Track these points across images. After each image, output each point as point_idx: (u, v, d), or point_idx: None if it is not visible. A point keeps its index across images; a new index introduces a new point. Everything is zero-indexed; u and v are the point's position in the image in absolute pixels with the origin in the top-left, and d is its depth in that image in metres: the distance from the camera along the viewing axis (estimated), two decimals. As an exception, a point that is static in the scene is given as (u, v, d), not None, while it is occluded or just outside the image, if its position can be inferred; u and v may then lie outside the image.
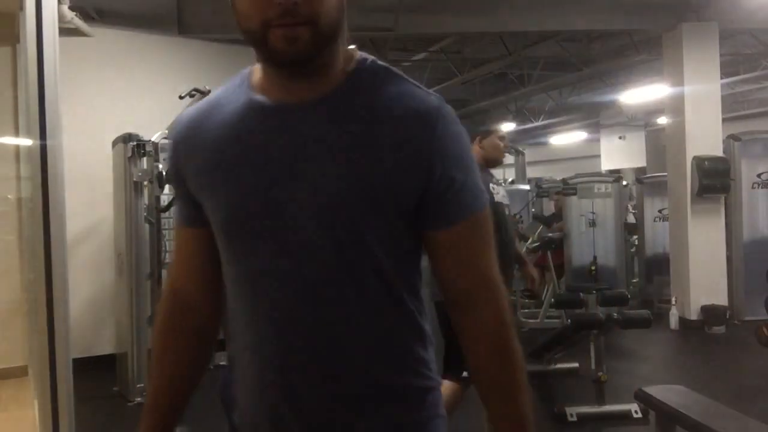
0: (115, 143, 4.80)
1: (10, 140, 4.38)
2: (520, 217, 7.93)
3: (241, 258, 0.96)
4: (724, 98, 7.44)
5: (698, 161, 6.47)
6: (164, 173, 4.51)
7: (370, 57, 0.98)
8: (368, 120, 0.91)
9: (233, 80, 1.02)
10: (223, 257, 0.99)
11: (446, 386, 2.79)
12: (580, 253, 7.45)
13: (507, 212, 3.29)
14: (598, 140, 15.72)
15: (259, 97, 0.95)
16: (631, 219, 9.12)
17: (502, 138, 3.35)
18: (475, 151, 3.25)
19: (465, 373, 2.67)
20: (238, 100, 0.97)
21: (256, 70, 1.00)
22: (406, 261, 0.97)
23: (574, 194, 7.56)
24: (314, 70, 0.92)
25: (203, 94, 4.59)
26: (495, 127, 3.47)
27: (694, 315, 6.50)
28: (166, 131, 4.62)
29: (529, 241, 7.01)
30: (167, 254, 5.10)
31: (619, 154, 15.13)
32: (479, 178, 0.98)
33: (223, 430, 1.06)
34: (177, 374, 1.08)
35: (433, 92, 0.97)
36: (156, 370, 1.09)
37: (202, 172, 0.97)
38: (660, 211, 8.09)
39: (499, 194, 3.21)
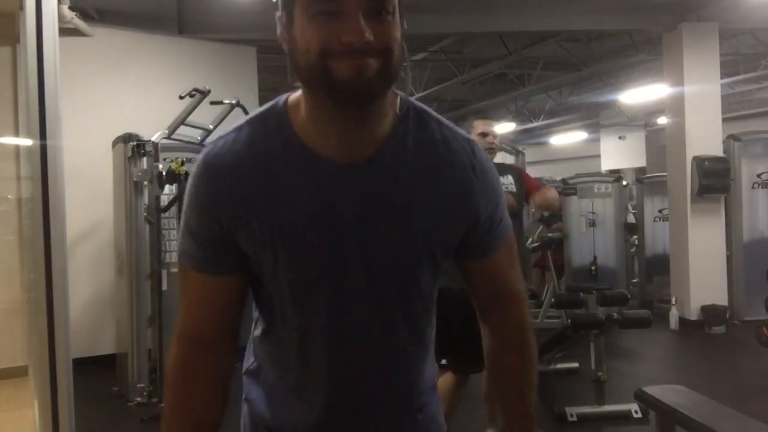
0: (115, 143, 4.80)
1: (10, 140, 4.39)
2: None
3: (304, 308, 0.99)
4: (724, 98, 7.44)
5: (698, 161, 6.47)
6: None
7: (408, 99, 0.99)
8: (420, 173, 0.96)
9: (266, 119, 0.96)
10: (274, 305, 1.01)
11: (447, 378, 2.80)
12: (580, 253, 7.46)
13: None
14: (598, 140, 15.72)
15: (316, 153, 0.92)
16: (631, 219, 9.12)
17: (483, 134, 3.10)
18: None
19: (444, 361, 2.67)
20: (286, 151, 0.93)
21: (293, 110, 0.95)
22: (436, 287, 1.07)
23: (574, 194, 7.57)
24: (371, 115, 0.91)
25: (203, 94, 4.60)
26: (476, 123, 3.15)
27: (694, 315, 6.50)
28: (166, 133, 4.62)
29: (529, 241, 7.02)
30: (167, 254, 5.10)
31: (619, 154, 15.13)
32: (506, 206, 1.07)
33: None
34: (200, 422, 1.03)
35: (460, 130, 1.02)
36: (177, 419, 1.03)
37: (262, 230, 0.94)
38: (660, 211, 8.09)
39: None
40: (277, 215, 0.93)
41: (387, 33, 0.85)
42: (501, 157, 17.40)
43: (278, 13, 0.91)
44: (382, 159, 0.93)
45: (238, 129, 0.96)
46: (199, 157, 0.97)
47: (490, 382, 1.18)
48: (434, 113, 1.01)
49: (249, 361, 1.13)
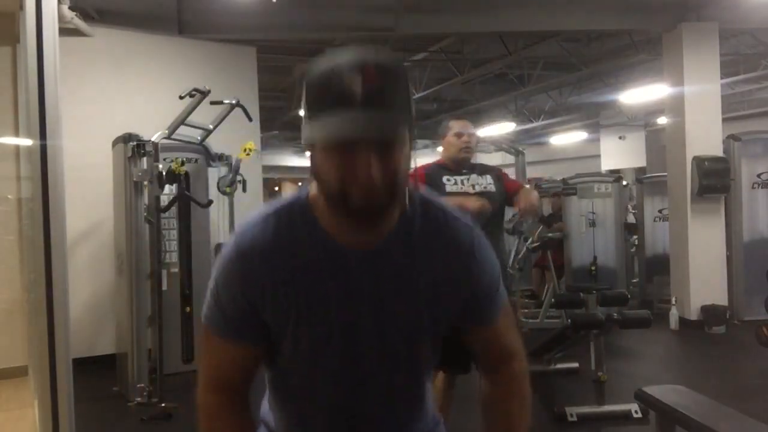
0: (115, 143, 4.80)
1: (10, 140, 4.39)
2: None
3: (318, 366, 1.12)
4: (724, 98, 7.44)
5: (698, 161, 6.47)
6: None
7: (415, 190, 1.12)
8: (425, 255, 1.10)
9: (291, 211, 1.09)
10: (289, 363, 1.14)
11: (438, 379, 2.80)
12: (580, 253, 7.45)
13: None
14: (598, 140, 15.73)
15: (335, 242, 1.07)
16: (631, 219, 9.12)
17: (458, 135, 3.20)
18: (442, 154, 3.29)
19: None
20: (311, 240, 1.07)
21: (315, 202, 1.08)
22: (440, 342, 1.20)
23: (574, 194, 7.56)
24: (381, 219, 1.05)
25: (203, 94, 4.60)
26: (451, 123, 3.26)
27: (694, 315, 6.50)
28: (166, 133, 4.62)
29: (529, 241, 7.02)
30: (167, 254, 5.10)
31: (619, 154, 15.14)
32: (500, 274, 1.20)
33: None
34: None
35: (461, 214, 1.17)
36: None
37: (290, 306, 1.07)
38: (660, 211, 8.09)
39: (458, 184, 3.16)
40: (301, 294, 1.07)
41: (394, 166, 0.98)
42: (501, 158, 17.33)
43: (303, 143, 1.04)
44: (391, 246, 1.08)
45: (265, 219, 1.09)
46: (231, 241, 1.10)
47: (485, 424, 1.27)
48: (438, 201, 1.16)
49: (263, 406, 1.28)
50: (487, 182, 3.21)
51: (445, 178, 3.15)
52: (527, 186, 3.81)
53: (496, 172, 3.32)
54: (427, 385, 1.25)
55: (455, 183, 3.16)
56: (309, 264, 1.06)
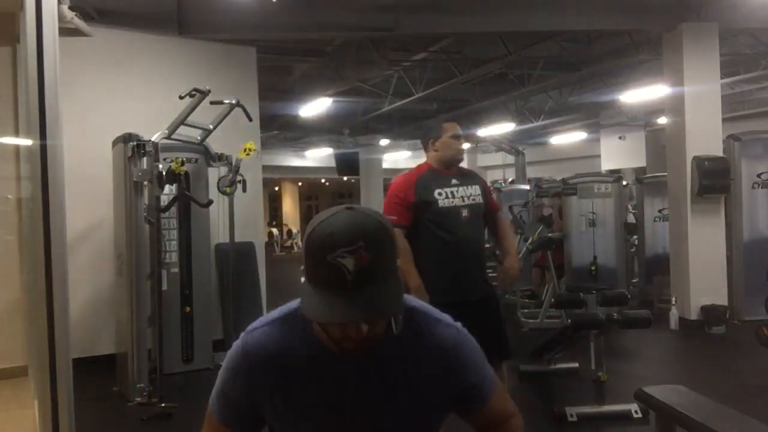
0: (115, 143, 4.80)
1: (10, 140, 4.38)
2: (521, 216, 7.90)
3: None
4: (724, 98, 7.44)
5: (698, 161, 6.48)
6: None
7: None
8: (410, 359, 1.20)
9: (293, 321, 1.20)
10: None
11: None
12: (580, 253, 7.46)
13: (466, 213, 3.17)
14: (598, 140, 15.75)
15: (328, 349, 1.17)
16: (631, 219, 9.13)
17: (456, 137, 3.26)
18: (431, 156, 3.29)
19: None
20: (308, 348, 1.19)
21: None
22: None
23: (574, 194, 7.57)
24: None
25: (203, 94, 4.60)
26: (446, 125, 3.30)
27: (694, 315, 6.50)
28: (166, 133, 4.63)
29: (529, 241, 7.02)
30: (167, 254, 5.10)
31: (619, 154, 15.16)
32: (485, 359, 1.28)
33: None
34: None
35: (444, 317, 1.26)
36: None
37: (286, 408, 1.20)
38: (660, 211, 8.09)
39: (449, 198, 3.18)
40: (298, 398, 1.20)
41: (384, 326, 1.13)
42: (501, 158, 17.23)
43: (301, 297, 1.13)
44: (378, 353, 1.18)
45: (272, 323, 1.23)
46: (241, 339, 1.23)
47: None
48: (421, 307, 1.26)
49: None
50: (475, 193, 3.26)
51: (436, 192, 3.17)
52: (506, 219, 3.79)
53: (481, 183, 3.36)
54: None
55: (446, 197, 3.18)
56: (305, 369, 1.19)
